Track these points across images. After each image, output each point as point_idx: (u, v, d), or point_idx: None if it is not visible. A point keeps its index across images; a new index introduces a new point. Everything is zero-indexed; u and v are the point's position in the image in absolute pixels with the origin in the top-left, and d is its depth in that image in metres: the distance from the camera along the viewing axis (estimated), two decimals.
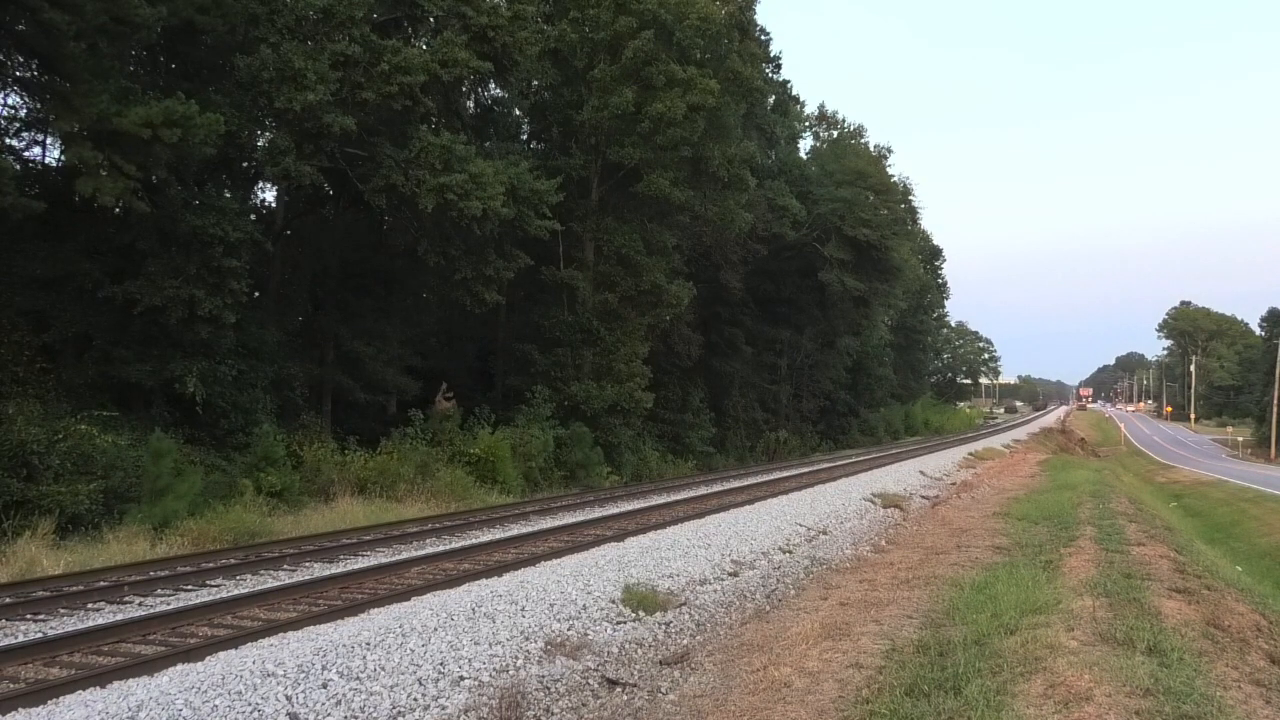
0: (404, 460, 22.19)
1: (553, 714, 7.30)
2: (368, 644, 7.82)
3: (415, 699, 7.00)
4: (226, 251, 19.16)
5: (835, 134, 59.14)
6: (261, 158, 21.73)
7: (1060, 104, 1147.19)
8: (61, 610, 10.43)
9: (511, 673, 7.81)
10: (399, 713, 6.76)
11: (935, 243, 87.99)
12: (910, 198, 54.77)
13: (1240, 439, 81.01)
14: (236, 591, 11.35)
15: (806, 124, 59.03)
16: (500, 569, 12.23)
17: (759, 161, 39.11)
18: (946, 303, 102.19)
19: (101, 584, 11.62)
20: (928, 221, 78.28)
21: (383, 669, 7.37)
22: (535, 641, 8.59)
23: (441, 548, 14.79)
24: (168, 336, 18.98)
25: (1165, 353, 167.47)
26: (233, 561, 13.36)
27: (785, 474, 31.18)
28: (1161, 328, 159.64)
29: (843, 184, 45.56)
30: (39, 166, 20.80)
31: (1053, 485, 26.91)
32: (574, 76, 30.64)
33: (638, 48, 28.68)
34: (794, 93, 54.18)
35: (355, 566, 13.14)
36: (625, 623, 9.76)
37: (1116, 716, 5.65)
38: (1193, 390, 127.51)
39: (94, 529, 14.91)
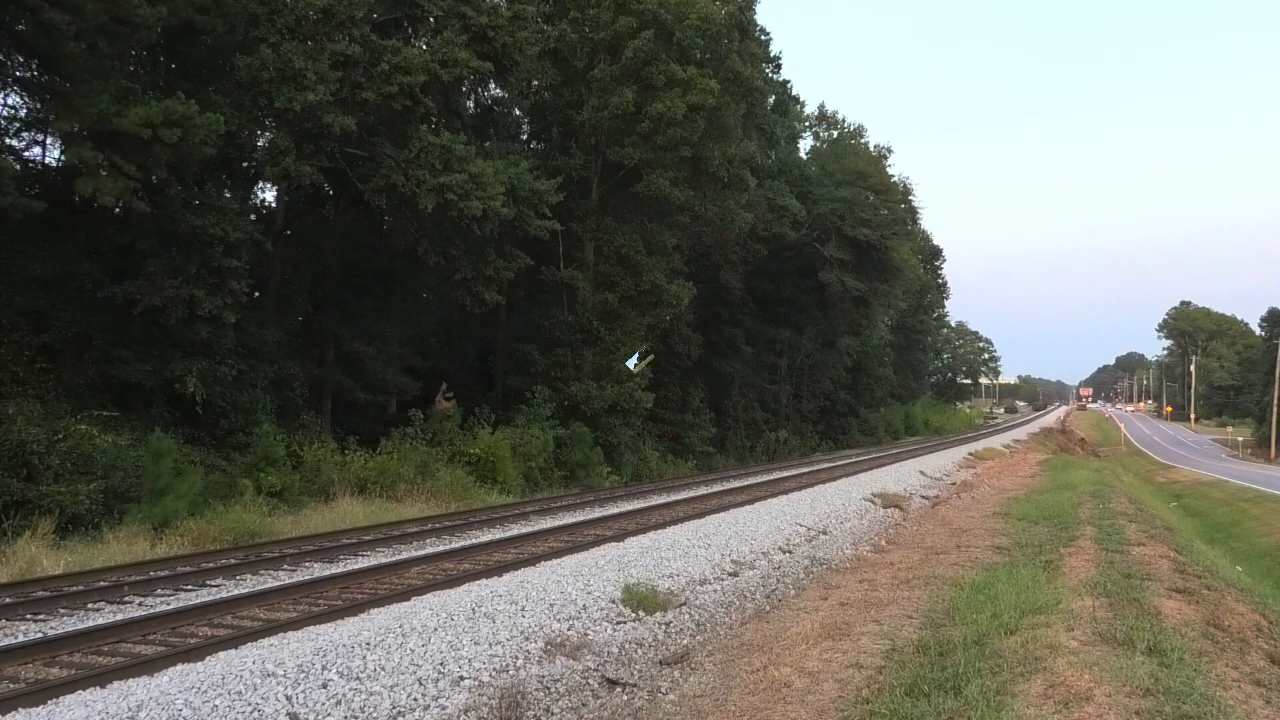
0: (404, 460, 22.19)
1: (553, 714, 7.30)
2: (368, 644, 7.82)
3: (415, 699, 7.00)
4: (226, 251, 19.16)
5: (835, 134, 59.13)
6: (261, 158, 21.73)
7: (1060, 104, 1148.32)
8: (61, 610, 10.43)
9: (511, 673, 7.81)
10: (399, 713, 6.76)
11: (935, 243, 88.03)
12: (910, 198, 54.88)
13: (1240, 439, 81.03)
14: (236, 591, 11.35)
15: (806, 124, 59.03)
16: (500, 569, 12.23)
17: (759, 161, 39.09)
18: (946, 303, 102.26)
19: (101, 584, 11.61)
20: (928, 221, 78.37)
21: (383, 669, 7.37)
22: (535, 641, 8.59)
23: (441, 548, 14.79)
24: (168, 336, 18.97)
25: (1165, 353, 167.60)
26: (233, 561, 13.36)
27: (785, 474, 31.18)
28: (1161, 328, 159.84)
29: (843, 184, 45.56)
30: (39, 166, 20.80)
31: (1053, 485, 26.91)
32: (574, 76, 30.64)
33: (638, 48, 28.68)
34: (794, 93, 54.24)
35: (355, 566, 13.14)
36: (625, 623, 9.76)
37: (1116, 716, 5.65)
38: (1193, 390, 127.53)
39: (94, 529, 14.91)
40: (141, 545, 14.41)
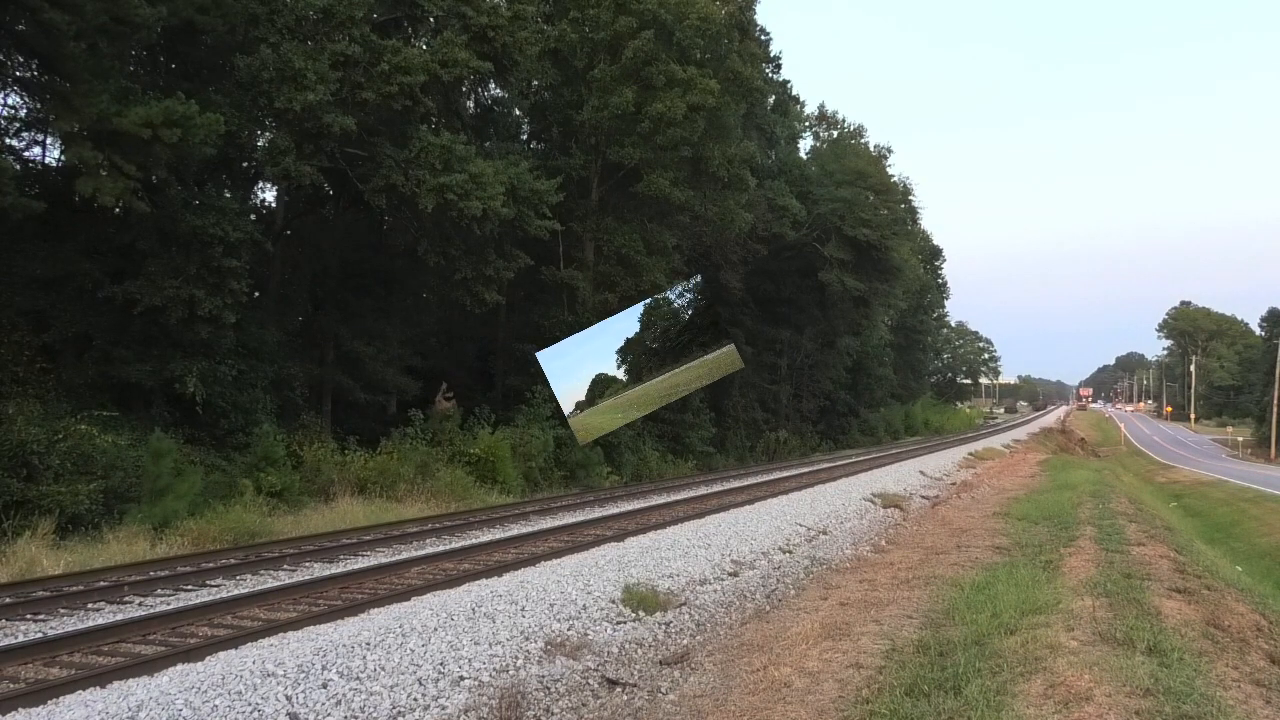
0: (404, 460, 22.18)
1: (553, 714, 7.30)
2: (368, 644, 7.82)
3: (415, 699, 7.00)
4: (226, 251, 19.16)
5: (835, 134, 59.16)
6: (261, 158, 21.74)
7: (1060, 104, 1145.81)
8: (61, 610, 10.43)
9: (511, 673, 7.81)
10: (399, 713, 6.76)
11: (935, 243, 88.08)
12: (910, 198, 54.92)
13: (1240, 439, 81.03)
14: (236, 591, 11.35)
15: (806, 124, 59.05)
16: (500, 569, 12.23)
17: (759, 161, 39.11)
18: (946, 303, 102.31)
19: (101, 584, 11.61)
20: (928, 221, 78.39)
21: (383, 669, 7.37)
22: (535, 641, 8.59)
23: (441, 548, 14.79)
24: (168, 336, 18.98)
25: (1165, 353, 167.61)
26: (233, 561, 13.36)
27: (785, 474, 31.19)
28: (1161, 328, 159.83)
29: (843, 184, 45.58)
30: (39, 166, 20.80)
31: (1053, 485, 26.91)
32: (574, 76, 30.64)
33: (638, 48, 28.68)
34: (794, 93, 54.27)
35: (355, 566, 13.15)
36: (625, 623, 9.76)
37: (1116, 716, 5.65)
38: (1193, 390, 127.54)
39: (94, 529, 14.91)
40: (141, 545, 14.40)
